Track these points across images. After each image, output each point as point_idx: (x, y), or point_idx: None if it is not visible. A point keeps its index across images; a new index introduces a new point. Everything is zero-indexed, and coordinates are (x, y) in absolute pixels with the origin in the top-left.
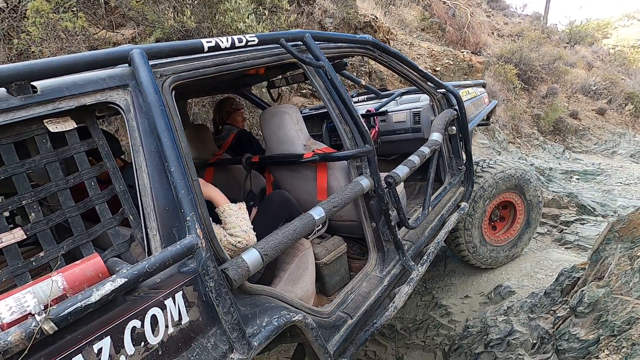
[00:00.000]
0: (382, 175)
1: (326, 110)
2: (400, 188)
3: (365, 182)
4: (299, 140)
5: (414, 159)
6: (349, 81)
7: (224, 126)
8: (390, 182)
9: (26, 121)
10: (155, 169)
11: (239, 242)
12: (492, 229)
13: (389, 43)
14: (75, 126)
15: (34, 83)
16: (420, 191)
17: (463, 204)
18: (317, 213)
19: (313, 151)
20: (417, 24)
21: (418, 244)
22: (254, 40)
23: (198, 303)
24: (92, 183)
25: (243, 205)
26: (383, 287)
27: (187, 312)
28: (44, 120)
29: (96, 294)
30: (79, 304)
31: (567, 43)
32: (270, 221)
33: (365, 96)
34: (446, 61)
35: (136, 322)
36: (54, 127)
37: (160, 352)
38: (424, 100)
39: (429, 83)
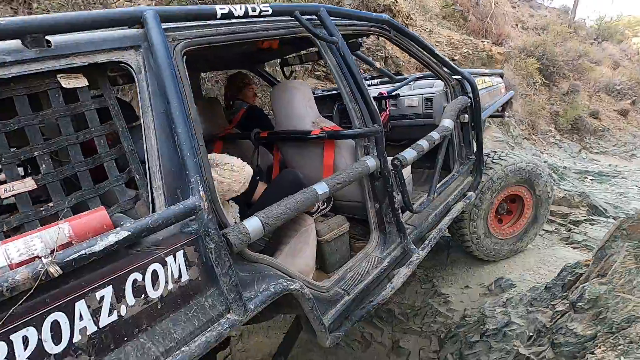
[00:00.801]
0: (390, 158)
1: (338, 92)
2: (406, 172)
3: (371, 162)
4: (308, 116)
5: (423, 143)
6: (364, 63)
7: (235, 101)
8: (397, 165)
9: (40, 74)
10: (162, 131)
11: (233, 165)
12: (498, 221)
13: (408, 28)
14: (87, 84)
15: (49, 38)
16: (428, 179)
17: (470, 193)
18: (321, 188)
19: (321, 128)
20: (438, 11)
21: (421, 228)
22: (268, 11)
23: (198, 263)
24: (102, 141)
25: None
26: (382, 267)
27: (187, 270)
28: (58, 75)
29: (100, 244)
30: (83, 251)
31: (595, 39)
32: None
33: (379, 80)
34: (465, 50)
35: (137, 275)
36: (67, 82)
37: (159, 306)
38: (438, 86)
39: (444, 68)
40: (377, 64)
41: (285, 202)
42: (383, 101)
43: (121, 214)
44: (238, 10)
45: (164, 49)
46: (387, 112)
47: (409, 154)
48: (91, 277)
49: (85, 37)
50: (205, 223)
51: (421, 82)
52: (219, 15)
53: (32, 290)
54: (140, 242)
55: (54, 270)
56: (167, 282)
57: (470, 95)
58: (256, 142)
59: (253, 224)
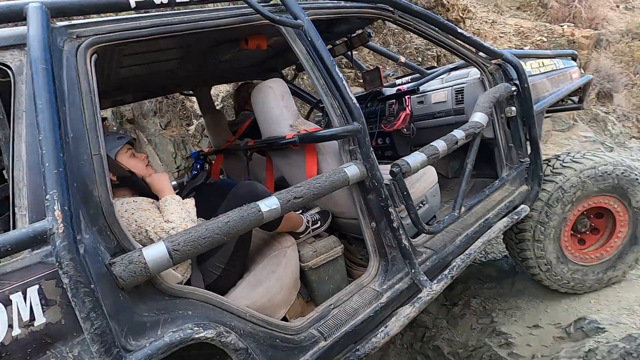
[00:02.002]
0: (388, 165)
1: (364, 94)
2: (429, 181)
3: (352, 169)
4: (284, 119)
5: (438, 144)
6: (387, 58)
7: (241, 112)
8: (396, 172)
9: None
10: (34, 140)
11: (172, 227)
12: (579, 242)
13: (464, 22)
14: None
15: None
16: (478, 188)
17: (522, 206)
18: (269, 204)
19: (298, 132)
20: (510, 3)
21: (442, 254)
22: None
23: (61, 302)
24: None
25: (191, 201)
26: (379, 304)
27: (43, 311)
28: None
29: None
30: None
31: None
32: None
33: (410, 77)
34: (538, 38)
35: None
36: None
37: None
38: (473, 75)
39: (479, 52)
40: (402, 58)
41: (211, 222)
42: (403, 99)
43: None
44: None
45: (40, 41)
46: (407, 111)
47: (415, 158)
48: None
49: None
50: (58, 251)
51: (456, 73)
52: (133, 5)
53: None
54: None
55: None
56: (10, 325)
57: (516, 81)
58: (244, 152)
59: (155, 251)
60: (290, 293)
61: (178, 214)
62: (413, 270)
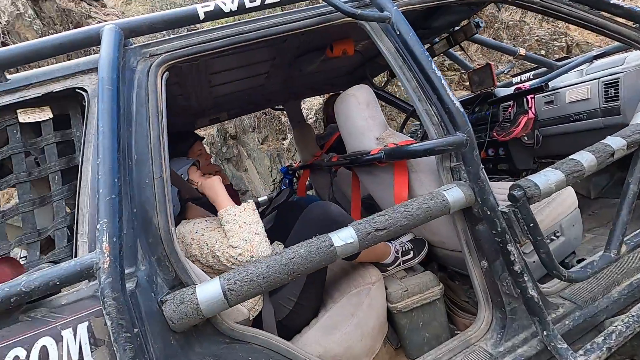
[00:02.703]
0: (503, 184)
1: (469, 97)
2: (565, 204)
3: (454, 193)
4: (370, 131)
5: (583, 157)
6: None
7: (329, 125)
8: (518, 198)
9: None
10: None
11: (239, 254)
12: None
13: None
14: (51, 116)
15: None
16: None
17: None
18: (343, 237)
19: (386, 146)
20: None
21: (588, 310)
22: None
23: (109, 343)
24: (56, 177)
25: (249, 205)
26: None
27: (91, 352)
28: (18, 110)
29: None
30: None
31: None
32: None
33: (531, 72)
34: None
35: (20, 351)
36: (27, 117)
37: None
38: (631, 61)
39: None
40: (522, 50)
41: (272, 258)
42: (524, 99)
43: (48, 265)
44: (229, 3)
45: (109, 62)
46: (531, 115)
47: (547, 178)
48: None
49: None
50: (102, 288)
51: (603, 62)
52: (202, 17)
53: None
54: (46, 304)
55: None
56: None
57: None
58: (327, 168)
59: (209, 291)
60: (373, 340)
61: (239, 236)
62: (545, 332)
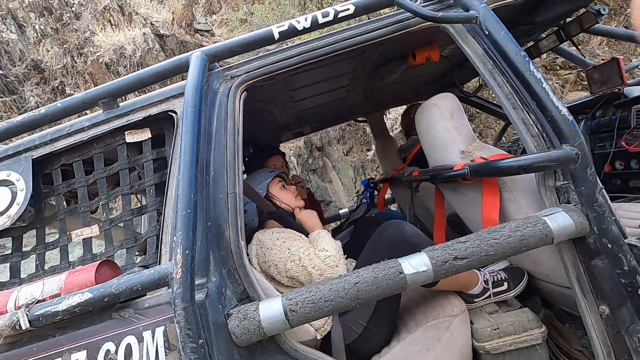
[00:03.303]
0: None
1: (587, 99)
2: None
3: (560, 219)
4: (453, 144)
5: None
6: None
7: (409, 137)
8: None
9: (110, 133)
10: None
11: (327, 256)
12: None
13: None
14: (150, 136)
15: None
16: None
17: None
18: (415, 265)
19: (472, 160)
20: None
21: None
22: (349, 10)
23: (180, 350)
24: (151, 190)
25: (339, 243)
26: None
27: (165, 355)
28: (125, 132)
29: (64, 303)
30: (48, 309)
31: None
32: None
33: None
34: None
35: (110, 345)
36: (132, 137)
37: None
38: None
39: None
40: None
41: (335, 281)
42: None
43: (139, 269)
44: (302, 22)
45: (193, 86)
46: None
47: None
48: (71, 336)
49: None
50: (174, 297)
51: None
52: (276, 37)
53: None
54: (134, 305)
55: (23, 323)
56: None
57: None
58: (408, 183)
59: (271, 309)
60: None
61: (332, 245)
62: None
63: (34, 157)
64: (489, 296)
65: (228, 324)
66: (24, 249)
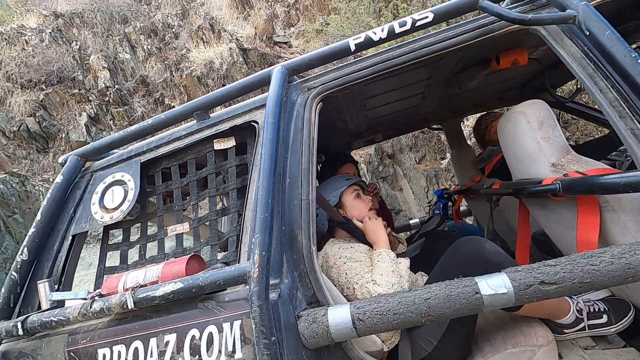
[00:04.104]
0: None
1: None
2: None
3: None
4: (543, 155)
5: None
6: None
7: (485, 148)
8: None
9: (201, 141)
10: None
11: (378, 292)
12: None
13: None
14: (234, 144)
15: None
16: None
17: None
18: (494, 285)
19: (565, 174)
20: None
21: None
22: (427, 17)
23: (254, 344)
24: (233, 194)
25: (405, 262)
26: None
27: (241, 347)
28: (214, 140)
29: (161, 290)
30: (148, 293)
31: None
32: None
33: None
34: None
35: (196, 332)
36: (219, 145)
37: None
38: None
39: None
40: None
41: (406, 294)
42: None
43: (222, 265)
44: (378, 33)
45: (274, 98)
46: None
47: None
48: (165, 319)
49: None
50: (251, 295)
51: None
52: (353, 48)
53: (112, 315)
54: (216, 297)
55: (130, 303)
56: (220, 352)
57: None
58: (488, 196)
59: (339, 316)
60: None
61: (387, 277)
62: None
63: (142, 160)
64: (583, 328)
65: (298, 325)
66: (130, 240)
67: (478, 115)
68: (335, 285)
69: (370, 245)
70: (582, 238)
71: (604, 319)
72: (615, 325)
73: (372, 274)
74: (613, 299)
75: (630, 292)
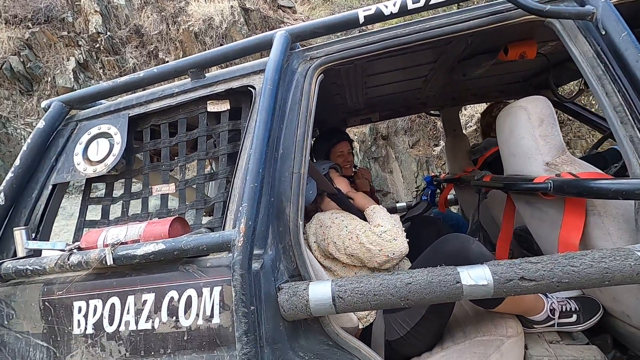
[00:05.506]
0: None
1: None
2: None
3: None
4: (538, 153)
5: None
6: None
7: (485, 138)
8: None
9: (194, 101)
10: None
11: (384, 231)
12: None
13: None
14: (228, 108)
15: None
16: None
17: None
18: (475, 276)
19: (558, 174)
20: None
21: None
22: None
23: (232, 310)
24: (223, 159)
25: (396, 215)
26: None
27: (219, 313)
28: (208, 101)
29: (142, 249)
30: (129, 251)
31: None
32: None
33: None
34: None
35: (174, 294)
36: (213, 107)
37: (185, 337)
38: None
39: None
40: None
41: (388, 276)
42: None
43: (204, 230)
44: (390, 6)
45: (274, 64)
46: None
47: None
48: (145, 278)
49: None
50: (234, 262)
51: None
52: (362, 21)
53: (90, 270)
54: (198, 261)
55: (109, 259)
56: (197, 315)
57: None
58: (477, 187)
59: (320, 292)
60: None
61: (388, 220)
62: None
63: (130, 115)
64: (553, 325)
65: (278, 296)
66: (113, 195)
67: (476, 105)
68: (336, 241)
69: (361, 217)
70: (564, 239)
71: (574, 318)
72: (583, 325)
73: (372, 222)
74: (585, 298)
75: (601, 293)
